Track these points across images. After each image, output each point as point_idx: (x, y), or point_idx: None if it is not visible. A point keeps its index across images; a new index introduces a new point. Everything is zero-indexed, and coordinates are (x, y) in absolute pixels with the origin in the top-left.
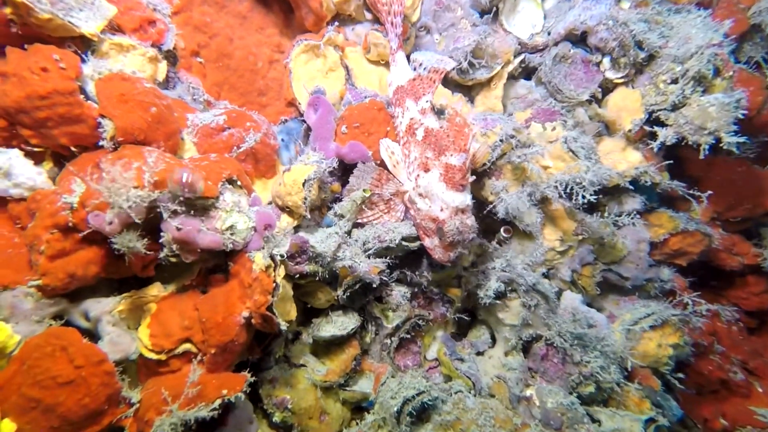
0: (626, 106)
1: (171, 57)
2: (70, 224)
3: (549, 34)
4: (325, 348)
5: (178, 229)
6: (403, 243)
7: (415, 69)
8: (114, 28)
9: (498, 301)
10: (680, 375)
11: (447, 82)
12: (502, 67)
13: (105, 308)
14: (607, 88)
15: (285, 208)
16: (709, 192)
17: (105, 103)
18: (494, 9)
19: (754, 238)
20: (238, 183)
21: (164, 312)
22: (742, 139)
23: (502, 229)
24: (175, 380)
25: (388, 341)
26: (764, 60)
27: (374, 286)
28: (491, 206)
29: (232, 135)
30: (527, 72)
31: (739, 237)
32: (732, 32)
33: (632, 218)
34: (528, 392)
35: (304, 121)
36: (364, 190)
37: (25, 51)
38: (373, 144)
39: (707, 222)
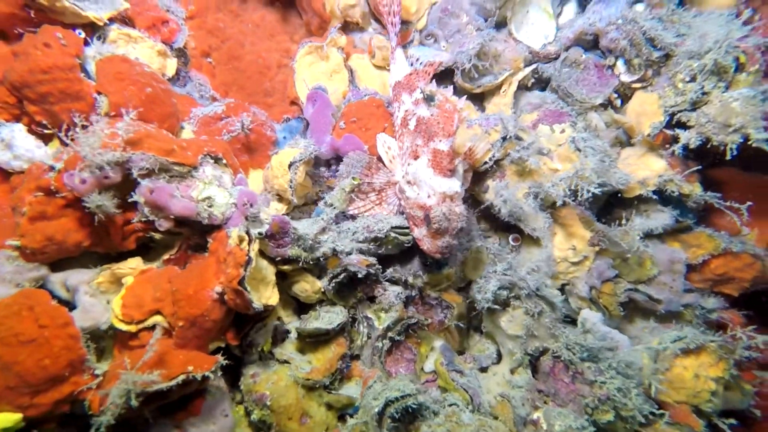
0: (644, 111)
1: (183, 57)
2: (52, 187)
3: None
4: (312, 345)
5: (151, 192)
6: (393, 234)
7: (411, 64)
8: (127, 22)
9: (497, 307)
10: (732, 421)
11: (457, 91)
12: (511, 74)
13: (83, 278)
14: (626, 95)
15: (275, 194)
16: (749, 203)
17: (102, 80)
18: (500, 17)
19: None
20: (224, 161)
21: (140, 284)
22: None
23: (510, 237)
24: (142, 354)
25: (380, 344)
26: None
27: (359, 276)
28: (492, 207)
29: (227, 123)
30: (543, 83)
31: None
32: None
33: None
34: (535, 415)
35: (305, 118)
36: (353, 178)
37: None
38: (370, 139)
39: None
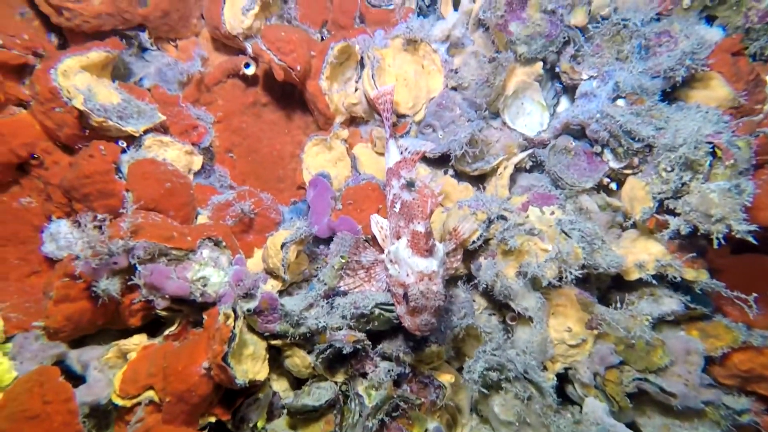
0: (636, 196)
1: (209, 153)
2: (77, 273)
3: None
4: (303, 422)
5: (148, 274)
6: (378, 310)
7: (401, 153)
8: (163, 130)
9: (484, 390)
10: None
11: (458, 175)
12: (505, 158)
13: (95, 354)
14: (620, 180)
15: (271, 273)
16: (755, 294)
17: (130, 179)
18: (494, 109)
19: None
20: (223, 244)
21: (140, 360)
22: (753, 227)
23: (507, 317)
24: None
25: (369, 423)
26: None
27: (346, 352)
28: (486, 285)
29: (232, 209)
30: (542, 167)
31: None
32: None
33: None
34: None
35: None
36: (341, 257)
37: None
38: (364, 219)
39: None
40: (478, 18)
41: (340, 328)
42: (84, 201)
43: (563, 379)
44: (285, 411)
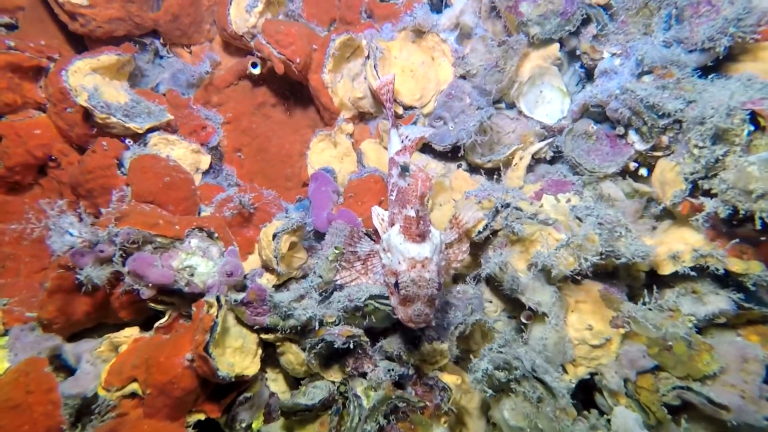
0: (666, 179)
1: (218, 153)
2: (70, 264)
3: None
4: (299, 423)
5: (132, 261)
6: (373, 304)
7: (402, 141)
8: (171, 130)
9: (489, 391)
10: None
11: (472, 168)
12: (520, 148)
13: (88, 347)
14: (651, 165)
15: (267, 267)
16: None
17: (130, 174)
18: (509, 99)
19: None
20: (216, 235)
21: (129, 352)
22: None
23: (522, 315)
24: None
25: (368, 427)
26: None
27: (341, 347)
28: (495, 278)
29: (230, 201)
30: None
31: None
32: None
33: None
34: None
35: None
36: (335, 248)
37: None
38: (365, 212)
39: None
40: (490, 2)
41: (336, 323)
42: (89, 197)
43: (592, 387)
44: (280, 412)
